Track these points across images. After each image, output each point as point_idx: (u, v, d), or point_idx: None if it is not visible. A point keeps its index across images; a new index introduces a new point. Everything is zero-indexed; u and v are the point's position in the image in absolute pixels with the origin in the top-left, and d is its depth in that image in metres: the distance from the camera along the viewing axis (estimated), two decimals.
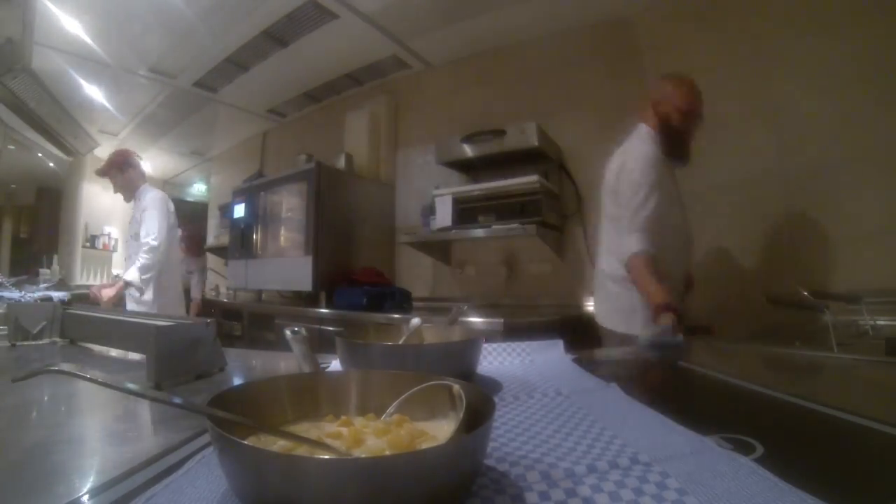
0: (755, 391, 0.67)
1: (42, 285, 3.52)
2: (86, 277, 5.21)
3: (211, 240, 4.47)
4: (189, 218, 4.93)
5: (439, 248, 2.84)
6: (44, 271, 4.19)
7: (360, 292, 2.30)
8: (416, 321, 0.78)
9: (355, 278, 2.56)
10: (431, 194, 2.53)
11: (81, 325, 1.06)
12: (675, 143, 1.56)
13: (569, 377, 0.70)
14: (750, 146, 1.98)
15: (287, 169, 2.94)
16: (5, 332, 1.05)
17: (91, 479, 0.38)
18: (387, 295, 2.36)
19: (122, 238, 5.85)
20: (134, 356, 0.89)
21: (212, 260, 4.53)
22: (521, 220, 2.15)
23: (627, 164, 1.53)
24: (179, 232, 2.70)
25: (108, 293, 2.25)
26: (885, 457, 0.42)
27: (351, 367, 0.66)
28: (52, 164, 4.97)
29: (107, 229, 5.63)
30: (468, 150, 2.44)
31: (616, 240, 1.53)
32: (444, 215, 2.41)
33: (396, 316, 2.08)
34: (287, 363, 0.89)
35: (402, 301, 2.43)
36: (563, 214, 2.46)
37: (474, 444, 0.32)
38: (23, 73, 3.01)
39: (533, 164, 2.35)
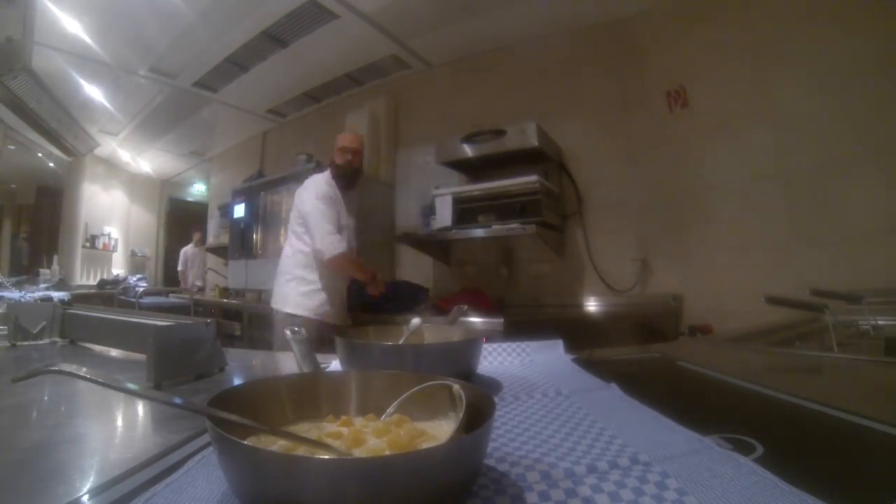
0: (755, 391, 0.67)
1: (42, 285, 3.53)
2: (86, 277, 5.21)
3: (211, 240, 4.48)
4: (191, 216, 4.95)
5: (439, 248, 2.84)
6: (44, 271, 4.19)
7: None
8: (416, 321, 0.78)
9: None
10: (431, 194, 2.53)
11: (81, 325, 1.06)
12: None
13: (569, 377, 0.70)
14: (750, 146, 1.98)
15: (287, 169, 2.94)
16: (5, 332, 1.05)
17: (91, 479, 0.38)
18: (399, 292, 2.30)
19: (122, 238, 5.85)
20: (134, 356, 0.89)
21: (212, 260, 4.53)
22: (521, 220, 2.15)
23: None
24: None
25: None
26: (886, 457, 0.42)
27: (351, 367, 0.66)
28: (52, 164, 4.97)
29: (107, 229, 5.63)
30: (468, 150, 2.43)
31: None
32: (444, 215, 2.40)
33: (396, 316, 2.08)
34: (287, 363, 0.89)
35: (417, 294, 2.37)
36: (563, 214, 2.46)
37: (474, 444, 0.32)
38: (23, 73, 3.01)
39: (533, 164, 2.35)
